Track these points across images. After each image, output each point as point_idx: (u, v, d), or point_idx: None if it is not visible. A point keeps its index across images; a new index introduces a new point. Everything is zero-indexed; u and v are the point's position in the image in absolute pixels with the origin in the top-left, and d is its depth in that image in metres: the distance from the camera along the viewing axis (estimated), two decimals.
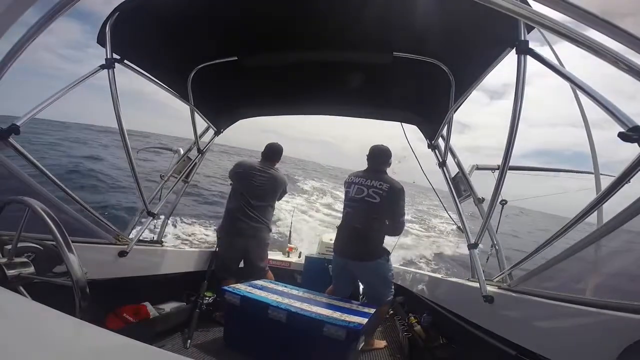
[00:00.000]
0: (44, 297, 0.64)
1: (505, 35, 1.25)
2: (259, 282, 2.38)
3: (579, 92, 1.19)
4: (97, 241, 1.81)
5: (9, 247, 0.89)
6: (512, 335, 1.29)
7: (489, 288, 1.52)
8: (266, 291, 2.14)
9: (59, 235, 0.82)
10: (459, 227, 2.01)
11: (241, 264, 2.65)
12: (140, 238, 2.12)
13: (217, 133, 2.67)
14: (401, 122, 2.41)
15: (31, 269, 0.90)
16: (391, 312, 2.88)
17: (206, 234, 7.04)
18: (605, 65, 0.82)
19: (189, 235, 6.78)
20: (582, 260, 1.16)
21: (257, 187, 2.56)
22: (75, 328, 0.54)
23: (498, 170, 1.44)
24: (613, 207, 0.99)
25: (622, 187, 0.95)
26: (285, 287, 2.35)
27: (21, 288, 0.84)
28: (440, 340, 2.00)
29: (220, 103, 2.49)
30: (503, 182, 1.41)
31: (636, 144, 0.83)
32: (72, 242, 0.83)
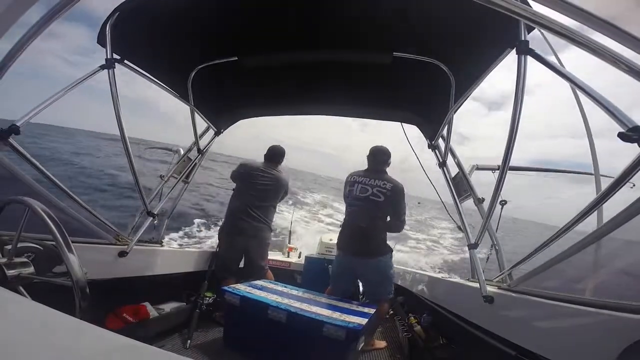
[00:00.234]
0: (44, 297, 0.64)
1: (506, 35, 1.25)
2: (259, 282, 2.38)
3: (579, 93, 1.20)
4: (97, 241, 1.82)
5: (9, 247, 0.89)
6: (512, 336, 1.29)
7: (489, 288, 1.52)
8: (266, 291, 2.14)
9: (58, 236, 0.82)
10: (459, 227, 2.01)
11: (241, 264, 2.65)
12: (140, 238, 2.13)
13: (217, 133, 2.68)
14: (401, 122, 2.41)
15: (31, 269, 0.90)
16: (391, 312, 2.88)
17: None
18: (606, 66, 0.82)
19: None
20: (582, 260, 1.16)
21: (260, 187, 2.58)
22: (75, 328, 0.54)
23: (498, 171, 1.44)
24: (613, 207, 0.99)
25: (621, 187, 0.95)
26: (285, 287, 2.35)
27: (21, 288, 0.84)
28: (440, 341, 2.00)
29: (220, 103, 2.49)
30: (503, 182, 1.41)
31: (636, 144, 0.83)
32: (72, 242, 0.83)
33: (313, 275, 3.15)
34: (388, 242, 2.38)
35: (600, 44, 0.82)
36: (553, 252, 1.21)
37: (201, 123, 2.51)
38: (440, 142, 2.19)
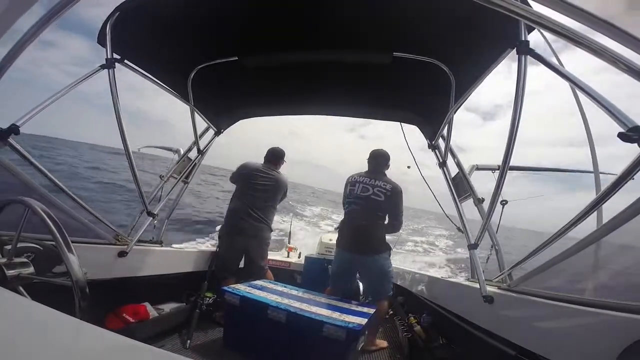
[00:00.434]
0: (44, 297, 0.64)
1: (506, 35, 1.25)
2: (259, 282, 2.38)
3: (579, 93, 1.20)
4: (97, 241, 1.82)
5: (9, 247, 0.90)
6: (511, 336, 1.29)
7: (489, 288, 1.52)
8: (266, 291, 2.14)
9: (58, 236, 0.82)
10: (458, 228, 2.01)
11: (241, 264, 2.66)
12: (140, 238, 2.12)
13: (217, 133, 2.68)
14: (401, 122, 2.41)
15: (31, 269, 0.90)
16: (391, 312, 2.88)
17: None
18: (606, 66, 0.82)
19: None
20: (582, 260, 1.16)
21: (260, 188, 2.62)
22: (75, 328, 0.54)
23: (498, 171, 1.44)
24: (613, 207, 0.99)
25: (622, 187, 0.95)
26: (285, 287, 2.35)
27: (21, 288, 0.84)
28: (440, 341, 2.00)
29: (220, 103, 2.49)
30: (503, 182, 1.40)
31: (636, 144, 0.83)
32: (72, 242, 0.83)
33: (313, 275, 3.15)
34: (388, 242, 2.41)
35: (600, 44, 0.82)
36: (553, 252, 1.21)
37: (201, 123, 2.51)
38: (440, 142, 2.19)
